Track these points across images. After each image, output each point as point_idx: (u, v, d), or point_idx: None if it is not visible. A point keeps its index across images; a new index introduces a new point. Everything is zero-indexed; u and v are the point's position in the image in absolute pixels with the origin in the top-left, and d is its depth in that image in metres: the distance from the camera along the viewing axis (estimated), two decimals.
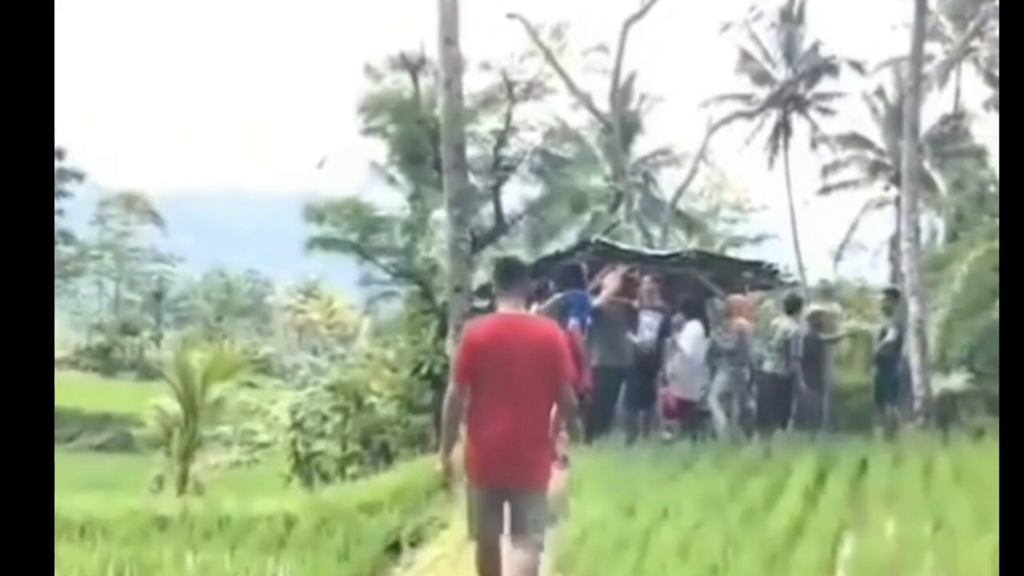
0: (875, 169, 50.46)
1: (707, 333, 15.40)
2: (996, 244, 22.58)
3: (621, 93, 39.22)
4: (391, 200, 28.86)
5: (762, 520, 8.97)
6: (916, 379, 16.03)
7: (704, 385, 14.95)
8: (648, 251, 18.89)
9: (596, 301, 13.17)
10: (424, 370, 23.36)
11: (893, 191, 48.63)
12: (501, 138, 27.28)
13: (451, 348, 17.52)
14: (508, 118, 27.26)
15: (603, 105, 35.18)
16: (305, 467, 25.03)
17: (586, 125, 39.15)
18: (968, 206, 33.04)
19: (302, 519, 10.01)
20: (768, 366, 14.77)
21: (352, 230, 27.59)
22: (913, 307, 16.26)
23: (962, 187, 39.04)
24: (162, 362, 46.22)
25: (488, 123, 27.23)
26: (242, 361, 26.25)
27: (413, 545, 9.67)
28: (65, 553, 8.33)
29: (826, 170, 51.13)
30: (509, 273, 7.04)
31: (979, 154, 43.88)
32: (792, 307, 15.28)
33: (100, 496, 11.61)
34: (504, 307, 6.90)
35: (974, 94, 48.53)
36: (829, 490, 10.27)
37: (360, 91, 27.63)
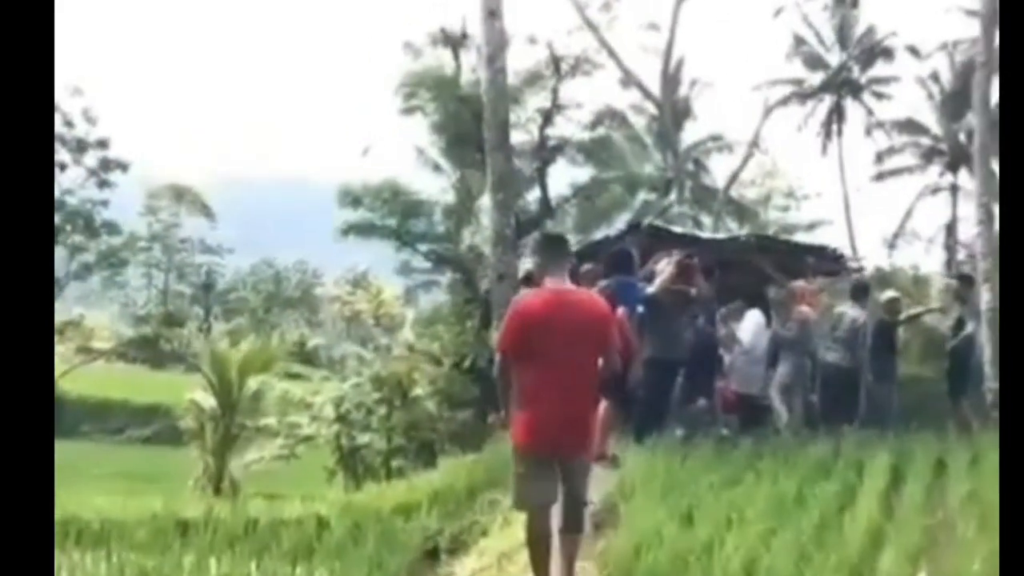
0: (930, 155, 49.94)
1: (768, 323, 14.52)
2: None
3: (671, 78, 38.38)
4: (432, 183, 27.72)
5: (836, 529, 8.09)
6: (988, 371, 15.11)
7: (764, 378, 14.03)
8: (704, 235, 17.80)
9: (649, 289, 12.27)
10: (467, 363, 22.60)
11: (948, 177, 47.99)
12: (547, 117, 25.88)
13: (495, 340, 16.87)
14: (555, 95, 25.84)
15: (653, 87, 34.32)
16: (350, 461, 24.57)
17: (633, 109, 38.20)
18: None
19: (334, 523, 9.29)
20: (833, 357, 13.64)
21: (390, 215, 26.37)
22: (986, 295, 15.29)
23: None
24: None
25: (534, 101, 25.86)
26: (280, 353, 25.60)
27: (451, 553, 8.89)
28: (76, 560, 7.64)
29: (880, 156, 50.42)
30: (552, 248, 7.18)
31: None
32: (859, 293, 14.14)
33: (121, 496, 11.00)
34: (550, 282, 6.95)
35: None
36: (907, 494, 9.38)
37: (399, 69, 26.52)
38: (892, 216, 50.74)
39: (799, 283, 14.93)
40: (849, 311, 13.64)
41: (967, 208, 46.31)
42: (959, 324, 14.77)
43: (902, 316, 15.37)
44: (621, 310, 10.95)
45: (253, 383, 22.93)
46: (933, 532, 8.40)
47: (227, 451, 22.01)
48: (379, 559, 8.22)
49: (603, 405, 10.62)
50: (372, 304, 59.37)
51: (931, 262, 45.81)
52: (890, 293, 15.57)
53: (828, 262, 17.21)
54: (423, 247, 27.32)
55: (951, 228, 47.52)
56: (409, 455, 23.58)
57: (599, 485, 9.33)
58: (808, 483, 9.60)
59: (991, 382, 14.98)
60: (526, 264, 21.55)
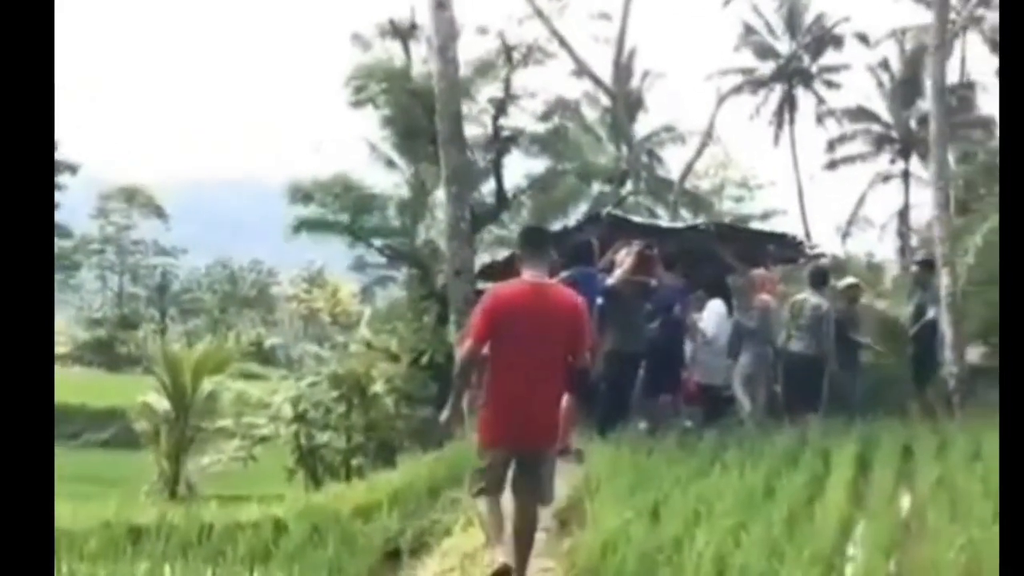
0: (881, 142, 50.15)
1: (730, 312, 14.37)
2: None
3: (623, 68, 38.24)
4: (385, 177, 27.27)
5: (806, 521, 7.91)
6: (949, 355, 15.07)
7: (727, 368, 13.84)
8: (664, 224, 17.61)
9: (609, 280, 12.07)
10: (424, 359, 22.27)
11: (900, 164, 48.25)
12: (500, 107, 25.31)
13: (454, 335, 16.64)
14: (507, 85, 25.34)
15: (605, 77, 34.08)
16: (309, 460, 24.24)
17: (586, 98, 37.95)
18: (978, 178, 31.96)
19: (292, 526, 9.02)
20: (797, 346, 13.27)
21: (343, 210, 25.75)
22: (945, 279, 15.27)
23: (970, 158, 38.01)
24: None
25: (486, 92, 25.39)
26: (235, 353, 25.05)
27: (414, 554, 8.63)
28: None
29: (832, 144, 50.62)
30: (533, 241, 7.17)
31: (986, 124, 42.94)
32: (818, 280, 13.74)
33: (78, 501, 10.66)
34: (527, 275, 6.93)
35: (980, 64, 47.88)
36: (876, 482, 9.24)
37: (348, 62, 26.08)
38: (845, 204, 50.93)
39: (759, 271, 14.77)
40: (810, 298, 13.34)
41: (919, 195, 46.88)
42: (920, 310, 14.72)
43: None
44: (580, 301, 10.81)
45: (208, 384, 22.45)
46: (904, 521, 8.27)
47: (182, 454, 21.55)
48: (339, 562, 7.98)
49: (565, 398, 10.47)
50: (328, 302, 59.14)
51: (884, 249, 46.09)
52: (849, 280, 15.44)
53: (788, 249, 17.05)
54: (377, 242, 26.73)
55: (903, 215, 47.78)
56: (369, 453, 23.27)
57: (563, 481, 9.14)
58: (775, 475, 9.46)
59: (951, 367, 14.98)
60: (483, 258, 21.43)
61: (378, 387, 22.90)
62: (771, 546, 7.11)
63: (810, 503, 8.58)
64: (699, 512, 8.07)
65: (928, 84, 17.71)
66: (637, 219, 17.46)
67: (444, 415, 7.25)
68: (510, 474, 6.89)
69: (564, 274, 11.42)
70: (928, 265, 15.64)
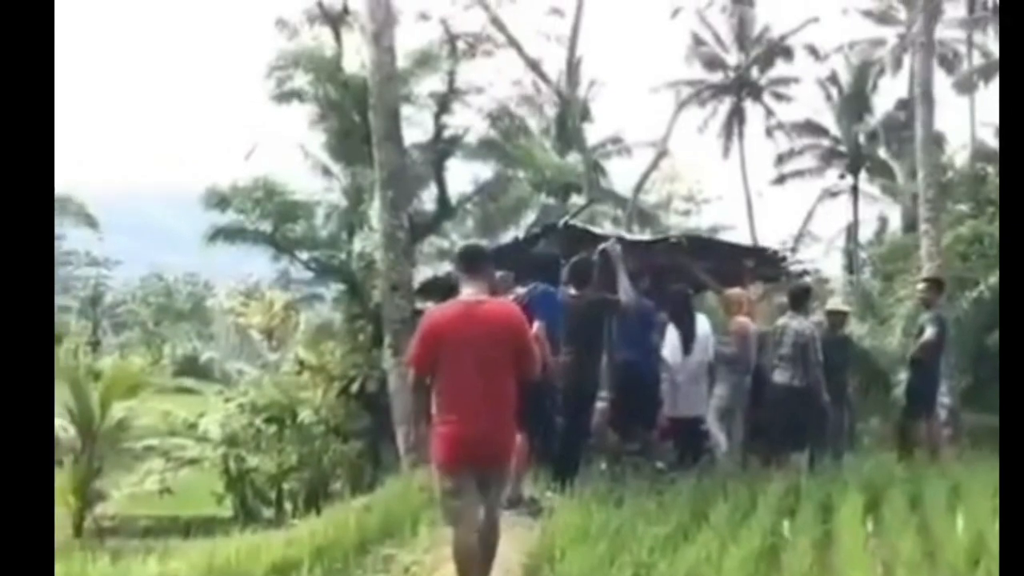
0: (829, 157, 49.38)
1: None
2: (961, 231, 20.87)
3: (574, 71, 36.82)
4: (313, 181, 24.89)
5: None
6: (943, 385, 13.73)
7: (704, 399, 12.17)
8: (629, 236, 15.82)
9: (568, 294, 10.53)
10: (355, 387, 20.61)
11: (848, 180, 47.80)
12: (443, 103, 23.06)
13: (387, 360, 15.14)
14: (451, 79, 23.04)
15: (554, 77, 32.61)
16: (238, 484, 22.82)
17: (526, 104, 36.12)
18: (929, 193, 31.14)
19: None
20: (781, 376, 11.67)
21: (264, 217, 22.98)
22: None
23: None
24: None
25: (427, 85, 22.97)
26: (145, 376, 23.14)
27: None
28: None
29: (781, 158, 49.98)
30: (471, 259, 7.08)
31: (937, 140, 42.34)
32: (800, 301, 12.16)
33: None
34: (465, 293, 6.89)
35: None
36: (892, 544, 7.71)
37: (271, 49, 23.51)
38: (793, 219, 50.44)
39: (735, 290, 13.14)
40: (792, 323, 11.77)
41: (867, 210, 46.33)
42: (920, 332, 13.19)
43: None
44: (537, 325, 9.28)
45: (118, 410, 20.71)
46: None
47: (87, 488, 19.78)
48: None
49: (517, 439, 9.04)
50: (264, 316, 57.43)
51: (830, 265, 45.36)
52: (833, 304, 14.01)
53: (768, 266, 15.44)
54: (303, 255, 24.07)
55: (851, 230, 47.21)
56: (303, 479, 21.87)
57: (514, 544, 7.70)
58: (774, 530, 7.98)
59: (943, 397, 13.64)
60: (424, 272, 19.76)
61: (305, 416, 21.46)
62: None
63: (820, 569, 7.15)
64: None
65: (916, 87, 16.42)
66: (599, 230, 15.74)
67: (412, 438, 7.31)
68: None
69: (520, 290, 9.96)
70: (936, 284, 13.95)
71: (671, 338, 12.13)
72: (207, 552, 8.73)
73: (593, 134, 44.13)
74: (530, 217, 27.68)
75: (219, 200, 22.10)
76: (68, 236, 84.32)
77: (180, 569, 8.28)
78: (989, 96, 37.53)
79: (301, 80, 23.24)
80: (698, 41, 50.23)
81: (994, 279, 18.38)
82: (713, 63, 50.55)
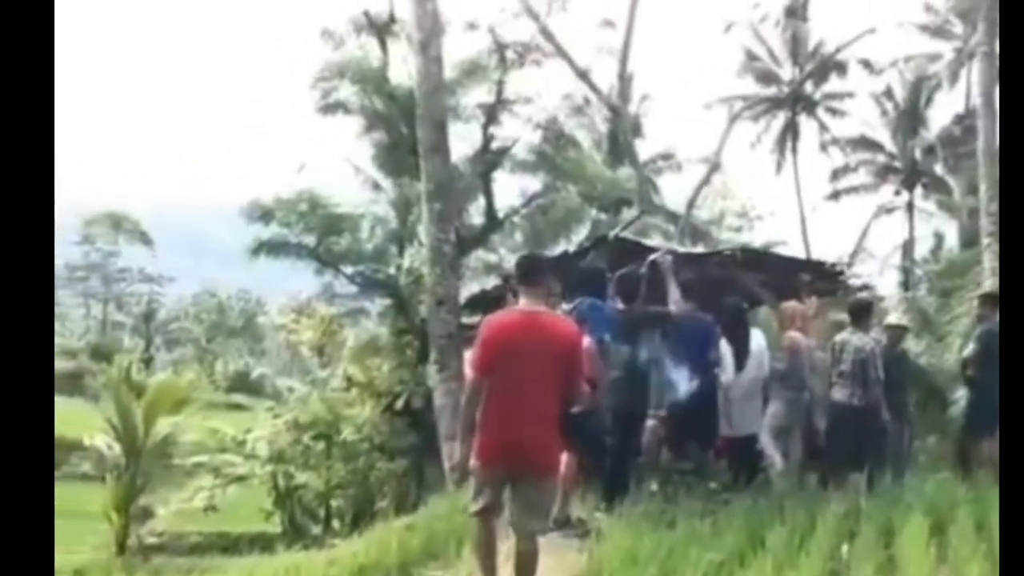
0: (885, 173, 48.83)
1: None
2: None
3: (626, 84, 36.51)
4: (359, 193, 24.56)
5: None
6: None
7: (760, 416, 11.75)
8: (682, 249, 15.40)
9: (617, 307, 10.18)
10: (400, 403, 20.38)
11: (904, 196, 47.24)
12: (491, 114, 22.59)
13: (433, 376, 14.87)
14: (499, 89, 22.60)
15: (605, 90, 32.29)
16: (287, 501, 22.81)
17: (577, 117, 35.59)
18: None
19: None
20: (840, 395, 11.34)
21: (308, 231, 22.50)
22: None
23: (977, 190, 36.76)
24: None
25: (475, 96, 22.58)
26: (189, 392, 23.02)
27: None
28: None
29: (836, 174, 49.50)
30: (529, 270, 7.26)
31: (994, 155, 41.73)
32: (861, 316, 11.81)
33: None
34: (523, 303, 7.04)
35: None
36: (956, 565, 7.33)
37: (317, 60, 23.33)
38: (847, 235, 49.86)
39: (791, 303, 12.68)
40: (852, 339, 11.38)
41: (922, 227, 45.70)
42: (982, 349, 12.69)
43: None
44: (588, 341, 8.97)
45: (163, 427, 20.60)
46: None
47: (130, 504, 19.66)
48: None
49: (565, 456, 8.73)
50: (316, 332, 57.41)
51: (885, 282, 44.80)
52: (893, 318, 13.52)
53: (824, 280, 14.90)
54: (348, 269, 23.56)
55: (907, 247, 46.58)
56: (349, 497, 21.74)
57: (564, 563, 7.41)
58: (834, 559, 7.61)
59: None
60: (470, 288, 19.46)
61: (348, 434, 21.27)
62: None
63: None
64: None
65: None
66: (650, 243, 15.33)
67: (457, 455, 7.19)
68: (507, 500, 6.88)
69: (566, 306, 9.64)
70: (990, 299, 13.45)
71: (725, 354, 11.77)
72: (247, 572, 8.54)
73: (644, 150, 43.80)
74: (581, 233, 27.14)
75: (263, 213, 21.74)
76: (123, 253, 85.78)
77: None
78: None
79: (347, 91, 23.05)
80: (751, 56, 49.97)
81: None
82: (767, 78, 50.25)
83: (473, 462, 6.87)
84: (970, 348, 12.57)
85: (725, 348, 11.70)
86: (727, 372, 11.56)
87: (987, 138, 17.94)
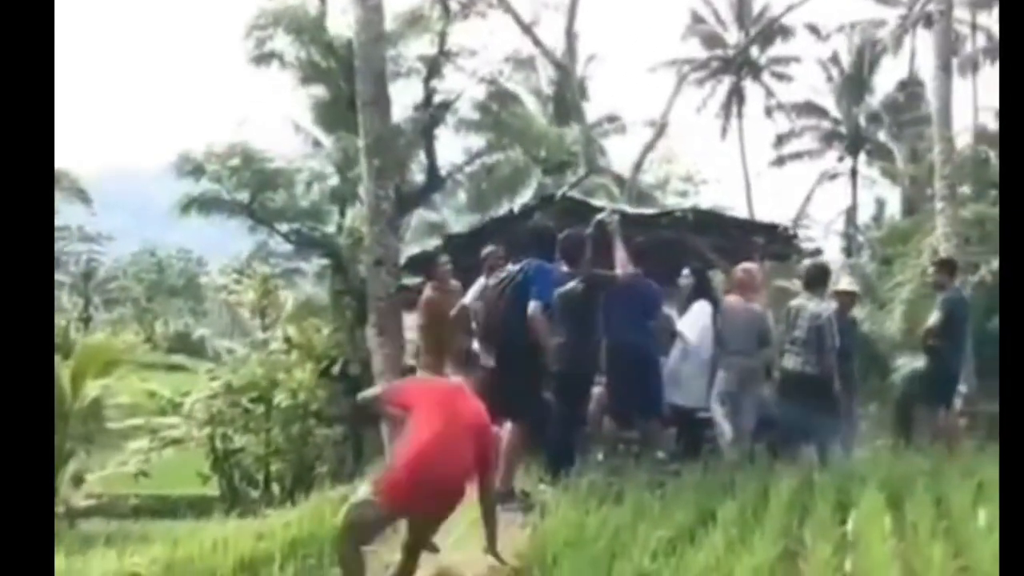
0: (829, 139, 49.10)
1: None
2: (963, 214, 20.48)
3: (572, 41, 35.97)
4: (295, 147, 24.23)
5: None
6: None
7: (708, 386, 11.15)
8: (630, 209, 14.99)
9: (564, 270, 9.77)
10: (336, 368, 19.98)
11: (847, 162, 47.47)
12: (433, 66, 21.88)
13: (372, 339, 14.41)
14: (442, 40, 21.84)
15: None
16: (225, 465, 22.37)
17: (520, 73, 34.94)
18: (926, 177, 30.77)
19: None
20: (792, 362, 10.96)
21: (241, 187, 21.84)
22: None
23: (920, 157, 37.07)
24: None
25: (416, 47, 21.94)
26: (120, 354, 22.31)
27: None
28: None
29: (780, 139, 49.65)
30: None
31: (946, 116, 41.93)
32: (816, 282, 11.37)
33: None
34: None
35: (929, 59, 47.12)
36: (922, 546, 7.02)
37: (250, 8, 22.33)
38: (791, 201, 50.17)
39: (751, 265, 12.23)
40: (809, 305, 10.99)
41: (865, 193, 45.93)
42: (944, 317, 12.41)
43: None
44: (534, 305, 8.61)
45: (92, 389, 19.95)
46: None
47: (59, 470, 19.06)
48: None
49: (509, 427, 8.34)
50: (258, 293, 56.79)
51: (828, 248, 45.03)
52: (844, 284, 13.17)
53: (778, 243, 14.56)
54: (283, 227, 23.00)
55: (851, 213, 46.79)
56: (289, 462, 21.33)
57: (506, 540, 7.04)
58: (788, 536, 7.30)
59: (961, 384, 12.89)
60: (411, 249, 18.97)
61: (282, 399, 20.82)
62: None
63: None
64: None
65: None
66: (597, 203, 14.88)
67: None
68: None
69: (513, 268, 9.24)
70: (947, 265, 13.17)
71: (692, 316, 11.39)
72: (170, 544, 8.11)
73: (590, 112, 43.49)
74: (526, 195, 26.63)
75: (193, 168, 21.12)
76: (61, 211, 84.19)
77: (139, 564, 7.65)
78: (989, 79, 37.16)
79: (282, 41, 22.26)
80: (697, 18, 49.82)
81: (996, 263, 17.94)
82: (712, 41, 50.22)
83: (379, 499, 6.48)
84: (935, 317, 12.30)
85: (702, 310, 11.35)
86: (694, 336, 11.19)
87: (941, 98, 17.71)
